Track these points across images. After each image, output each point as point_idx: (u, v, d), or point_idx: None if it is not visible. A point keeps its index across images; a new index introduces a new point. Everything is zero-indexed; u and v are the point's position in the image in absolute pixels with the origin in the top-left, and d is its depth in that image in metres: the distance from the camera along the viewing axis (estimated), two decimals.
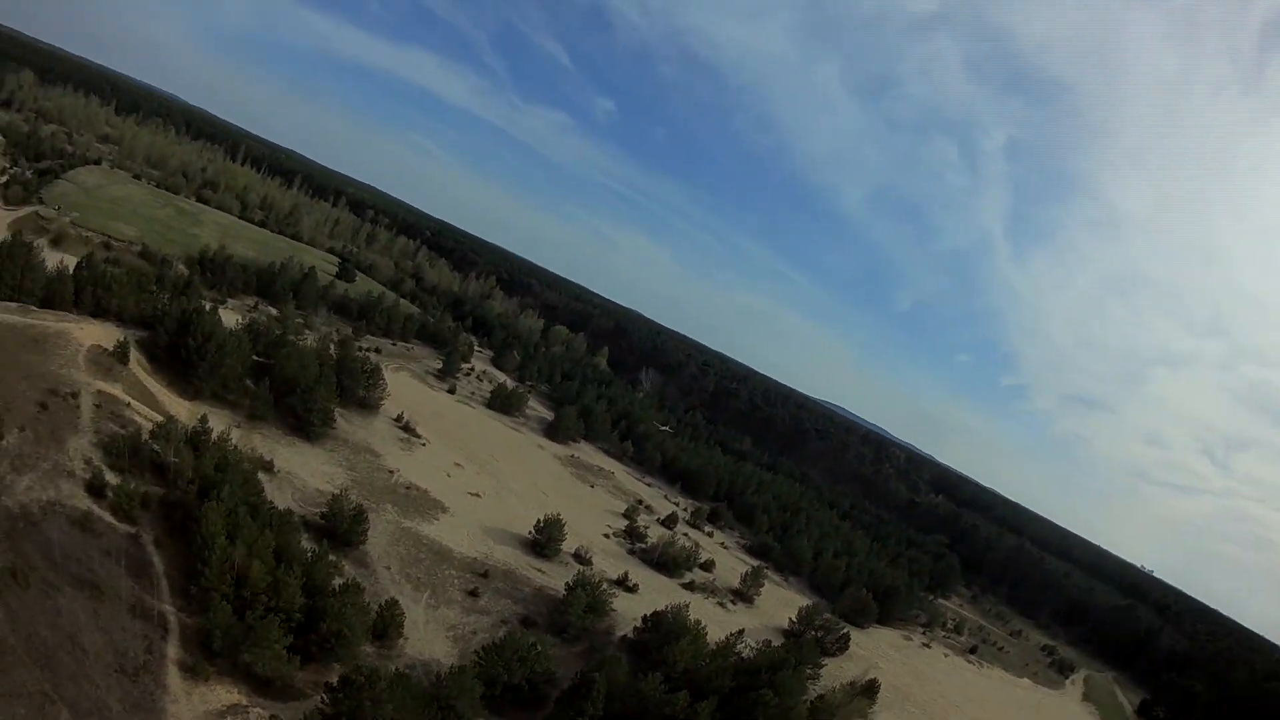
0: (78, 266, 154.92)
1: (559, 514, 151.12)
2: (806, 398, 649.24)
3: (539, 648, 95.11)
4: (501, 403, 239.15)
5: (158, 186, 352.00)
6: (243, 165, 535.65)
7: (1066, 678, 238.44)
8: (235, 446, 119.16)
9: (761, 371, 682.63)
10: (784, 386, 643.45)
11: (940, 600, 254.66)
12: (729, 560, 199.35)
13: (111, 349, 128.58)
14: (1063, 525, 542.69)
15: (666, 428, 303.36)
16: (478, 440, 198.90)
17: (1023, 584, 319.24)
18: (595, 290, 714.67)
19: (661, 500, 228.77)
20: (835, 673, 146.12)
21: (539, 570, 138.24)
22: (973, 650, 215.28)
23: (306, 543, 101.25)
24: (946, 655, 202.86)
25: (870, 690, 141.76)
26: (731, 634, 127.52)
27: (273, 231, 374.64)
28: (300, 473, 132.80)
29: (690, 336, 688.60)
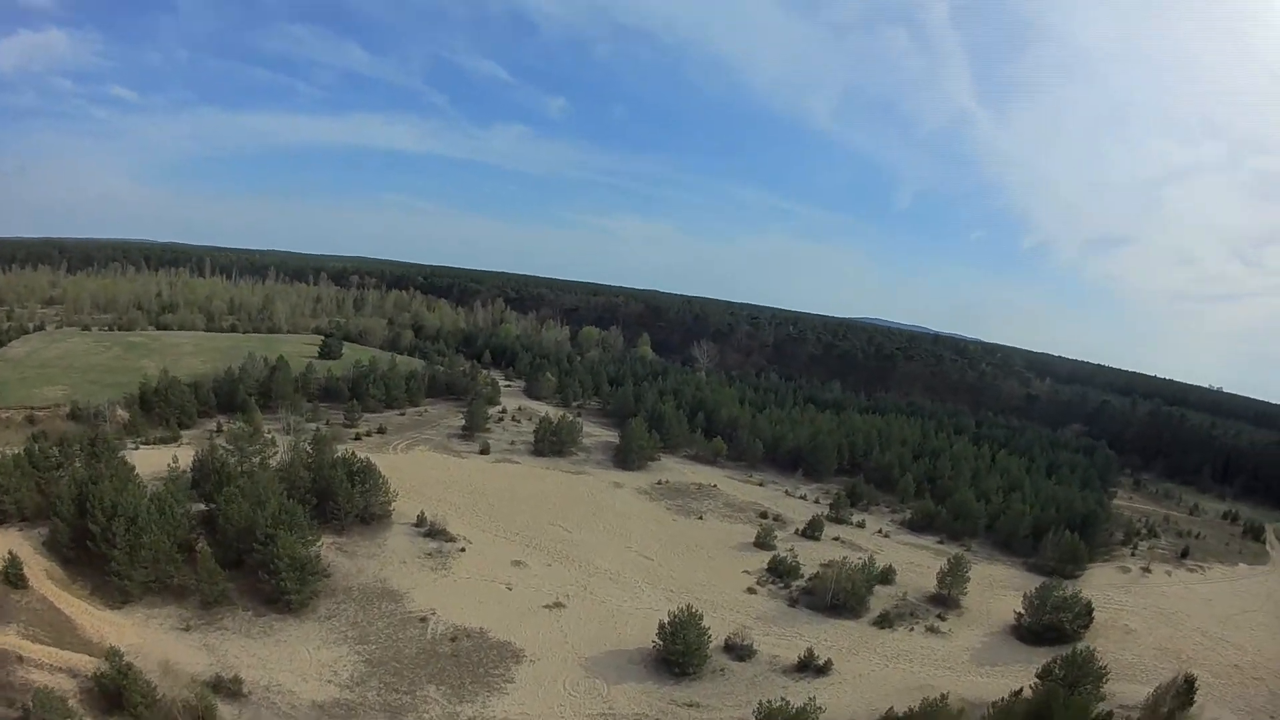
0: None
1: (685, 600, 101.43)
2: (843, 320, 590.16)
3: None
4: (550, 444, 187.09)
5: (110, 329, 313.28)
6: (211, 277, 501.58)
7: (1266, 545, 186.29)
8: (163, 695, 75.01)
9: (799, 310, 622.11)
10: (824, 317, 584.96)
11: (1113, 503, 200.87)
12: (900, 552, 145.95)
13: None
14: (1127, 369, 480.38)
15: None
16: (535, 511, 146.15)
17: (1172, 451, 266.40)
18: (612, 284, 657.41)
19: (786, 500, 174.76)
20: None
21: (691, 705, 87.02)
22: (1184, 554, 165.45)
23: None
24: (1169, 574, 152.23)
25: (1188, 690, 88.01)
26: None
27: (244, 333, 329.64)
28: (284, 680, 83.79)
29: (720, 298, 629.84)
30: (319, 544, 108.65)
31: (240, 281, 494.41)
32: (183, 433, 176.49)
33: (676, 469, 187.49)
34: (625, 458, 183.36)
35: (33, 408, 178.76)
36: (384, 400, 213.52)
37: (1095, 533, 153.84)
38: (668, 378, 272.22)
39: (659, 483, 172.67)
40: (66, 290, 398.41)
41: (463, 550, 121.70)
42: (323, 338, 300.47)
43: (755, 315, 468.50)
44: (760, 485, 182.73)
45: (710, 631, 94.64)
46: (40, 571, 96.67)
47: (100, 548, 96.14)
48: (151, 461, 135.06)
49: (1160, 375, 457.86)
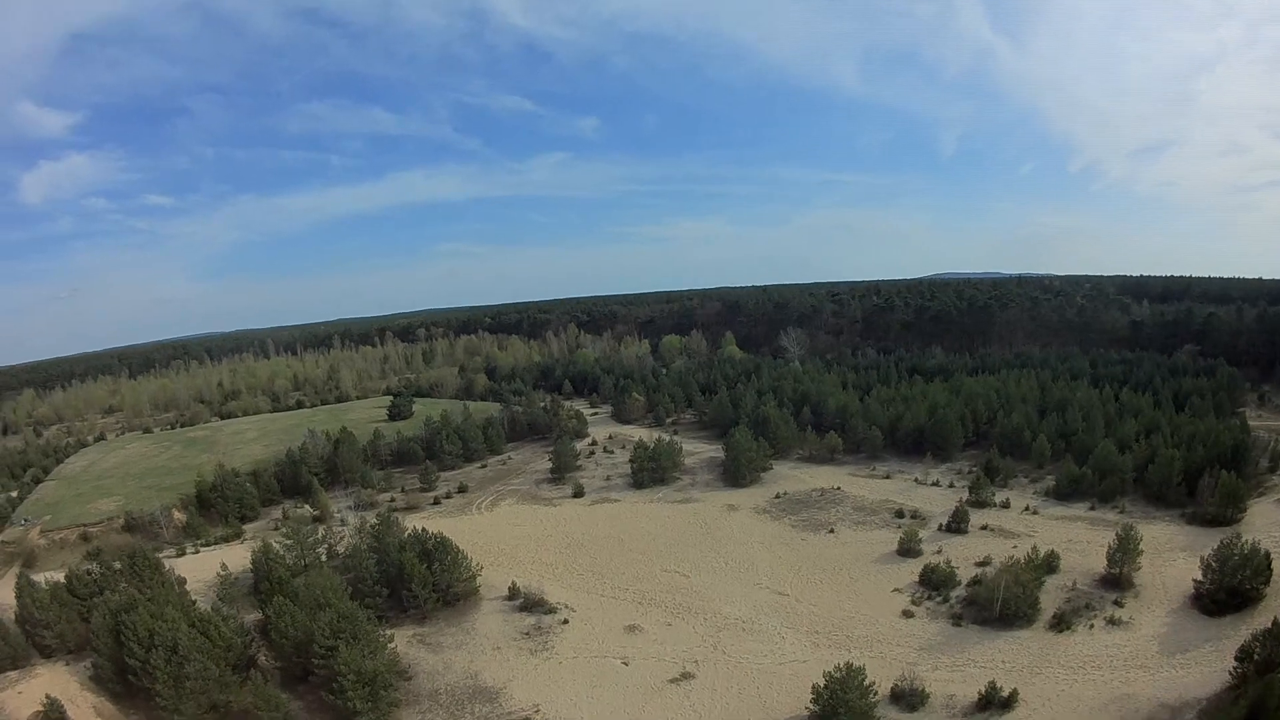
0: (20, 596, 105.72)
1: (833, 639, 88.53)
2: (905, 281, 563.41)
3: None
4: (649, 473, 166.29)
5: (171, 427, 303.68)
6: (275, 357, 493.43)
7: None
8: None
9: (876, 279, 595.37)
10: (904, 281, 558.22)
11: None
12: (1056, 530, 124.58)
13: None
14: (1212, 275, 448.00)
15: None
16: (644, 556, 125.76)
17: None
18: (681, 289, 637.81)
19: (919, 490, 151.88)
20: None
21: None
22: None
23: None
24: None
25: None
26: None
27: (310, 407, 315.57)
28: None
29: (792, 282, 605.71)
30: (391, 645, 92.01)
31: (305, 356, 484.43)
32: (246, 527, 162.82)
33: (793, 476, 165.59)
34: (735, 473, 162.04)
35: (86, 524, 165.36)
36: (462, 455, 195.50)
37: (1245, 465, 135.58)
38: (762, 374, 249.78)
39: (777, 496, 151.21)
40: (124, 396, 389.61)
41: (565, 622, 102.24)
42: (391, 398, 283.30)
43: (836, 292, 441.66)
44: (887, 478, 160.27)
45: (873, 684, 74.58)
46: (89, 709, 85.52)
47: (141, 680, 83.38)
48: (209, 567, 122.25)
49: (1247, 276, 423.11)
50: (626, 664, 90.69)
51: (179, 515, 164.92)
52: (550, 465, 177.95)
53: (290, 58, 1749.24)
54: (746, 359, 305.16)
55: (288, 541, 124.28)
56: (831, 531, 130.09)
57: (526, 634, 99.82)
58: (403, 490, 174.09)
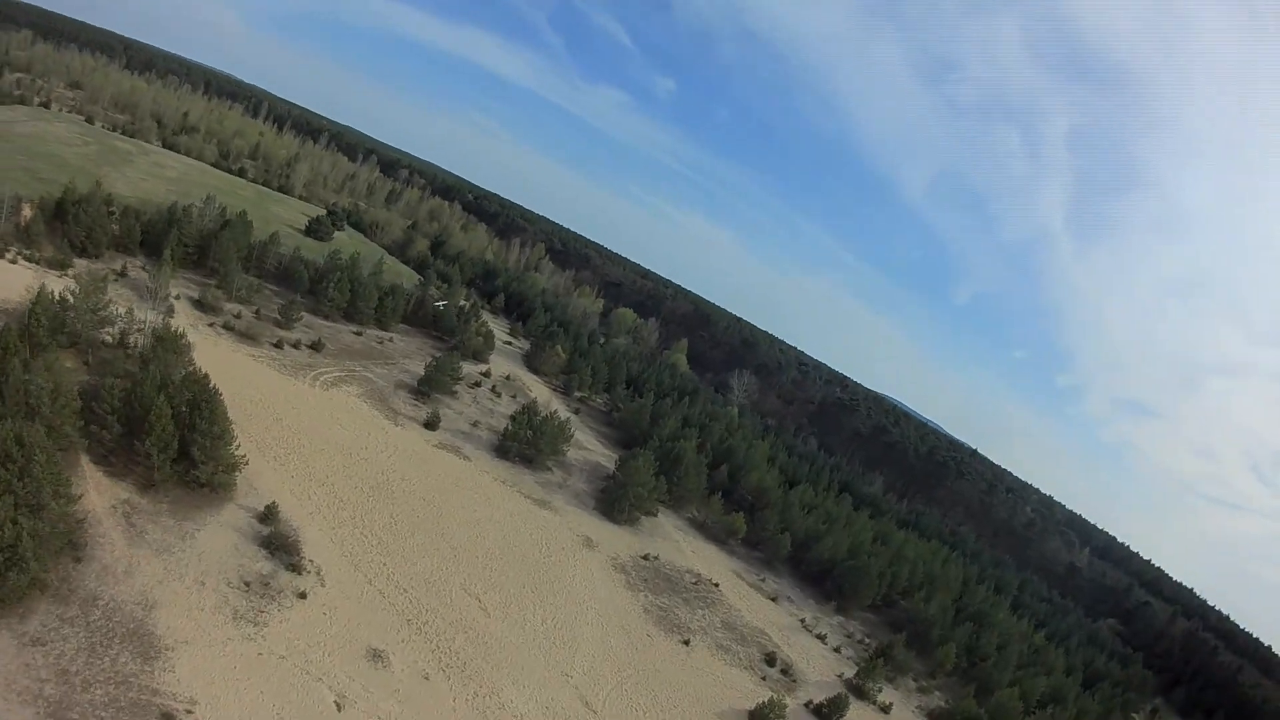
0: None
1: None
2: (868, 391, 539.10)
3: None
4: (523, 445, 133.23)
5: (112, 129, 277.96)
6: (263, 123, 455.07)
7: None
8: None
9: (823, 360, 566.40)
10: (875, 393, 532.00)
11: None
12: None
13: None
14: (1108, 531, 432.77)
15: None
16: (450, 555, 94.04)
17: (1194, 686, 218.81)
18: (662, 273, 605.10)
19: (803, 637, 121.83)
20: None
21: None
22: None
23: None
24: None
25: None
26: None
27: (249, 180, 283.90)
28: None
29: (761, 326, 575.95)
30: (76, 504, 65.67)
31: (284, 135, 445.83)
32: (80, 262, 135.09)
33: (674, 539, 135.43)
34: (613, 502, 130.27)
35: None
36: (344, 309, 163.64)
37: None
38: (695, 403, 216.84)
39: (645, 557, 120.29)
40: (91, 80, 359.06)
41: (302, 596, 71.57)
42: (323, 213, 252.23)
43: (804, 363, 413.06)
44: (774, 600, 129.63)
45: None
46: None
47: None
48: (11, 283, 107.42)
49: (1174, 575, 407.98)
50: (339, 708, 60.70)
51: (27, 212, 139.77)
52: (423, 373, 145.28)
53: None
54: (689, 377, 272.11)
55: (71, 299, 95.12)
56: (686, 643, 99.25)
57: (248, 585, 69.43)
58: (257, 313, 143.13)
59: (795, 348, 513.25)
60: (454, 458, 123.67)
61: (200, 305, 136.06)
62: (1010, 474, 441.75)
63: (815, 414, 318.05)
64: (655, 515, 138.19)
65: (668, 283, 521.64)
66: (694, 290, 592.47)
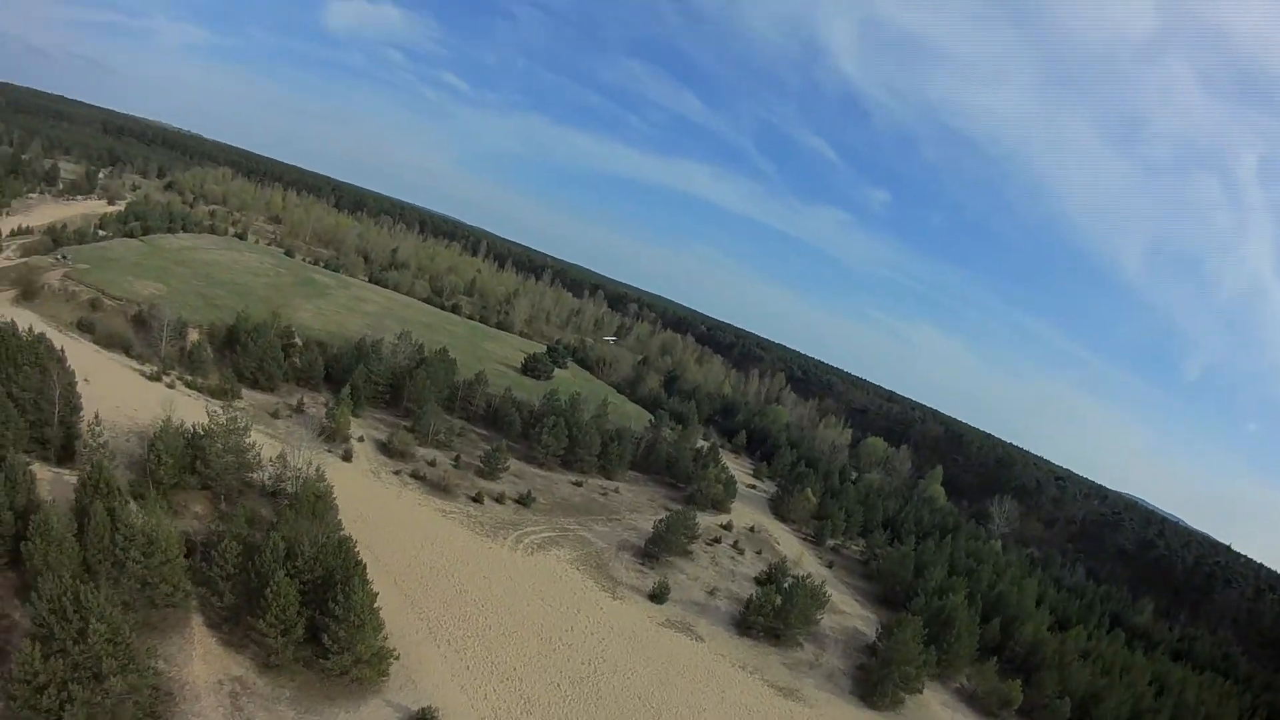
0: None
1: None
2: (1109, 490, 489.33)
3: None
4: (767, 619, 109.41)
5: (316, 263, 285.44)
6: (482, 260, 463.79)
7: None
8: None
9: (1071, 468, 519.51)
10: (1106, 490, 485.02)
11: None
12: None
13: None
14: None
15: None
16: None
17: None
18: (906, 394, 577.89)
19: None
20: None
21: None
22: None
23: None
24: None
25: None
26: None
27: (463, 316, 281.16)
28: None
29: (1014, 442, 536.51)
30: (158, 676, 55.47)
31: (511, 272, 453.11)
32: (253, 395, 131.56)
33: None
34: (874, 683, 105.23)
35: (104, 292, 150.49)
36: (561, 456, 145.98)
37: None
38: (957, 541, 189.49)
39: None
40: (293, 213, 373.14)
41: None
42: (545, 349, 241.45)
43: (1059, 476, 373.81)
44: None
45: None
46: None
47: None
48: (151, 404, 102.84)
49: None
50: None
51: (194, 337, 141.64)
52: (652, 531, 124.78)
53: (625, 8, 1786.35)
54: (949, 511, 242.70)
55: (215, 426, 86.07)
56: None
57: None
58: (456, 460, 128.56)
59: (1046, 460, 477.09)
60: (684, 638, 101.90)
61: (387, 449, 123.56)
62: (1267, 568, 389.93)
63: (1077, 534, 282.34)
64: (920, 692, 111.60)
65: (914, 404, 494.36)
66: (939, 409, 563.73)
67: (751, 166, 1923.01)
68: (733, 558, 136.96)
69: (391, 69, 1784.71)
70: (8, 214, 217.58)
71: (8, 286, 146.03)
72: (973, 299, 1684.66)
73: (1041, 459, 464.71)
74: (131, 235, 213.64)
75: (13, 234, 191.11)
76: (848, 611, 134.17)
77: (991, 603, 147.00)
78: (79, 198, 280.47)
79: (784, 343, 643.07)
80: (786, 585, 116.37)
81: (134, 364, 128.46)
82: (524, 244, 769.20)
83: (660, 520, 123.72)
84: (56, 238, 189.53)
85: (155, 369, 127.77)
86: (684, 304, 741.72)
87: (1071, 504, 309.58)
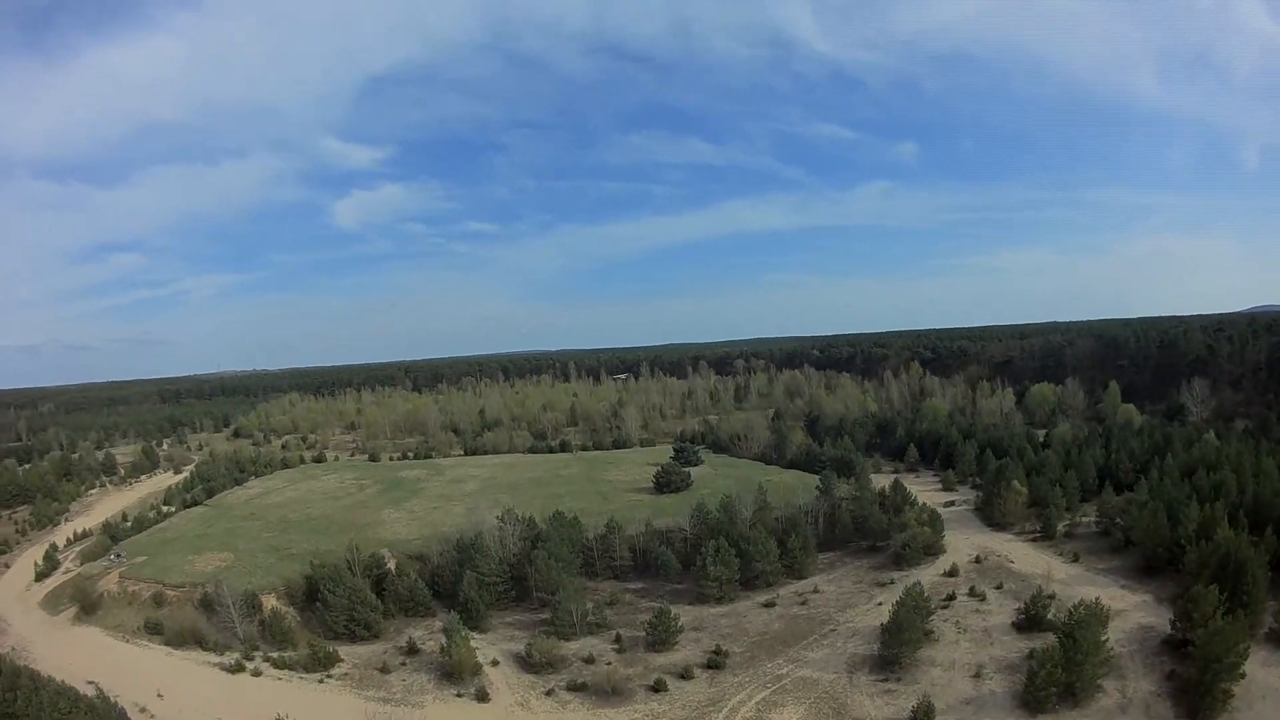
0: None
1: None
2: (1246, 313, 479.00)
3: None
4: (1053, 682, 79.13)
5: (404, 457, 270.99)
6: (576, 381, 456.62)
7: None
8: None
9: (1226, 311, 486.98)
10: (1229, 315, 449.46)
11: None
12: None
13: None
14: None
15: None
16: None
17: None
18: (1026, 322, 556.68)
19: None
20: None
21: None
22: None
23: None
24: None
25: None
26: None
27: (573, 451, 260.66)
28: None
29: (1118, 317, 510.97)
30: None
31: (604, 384, 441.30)
32: (354, 649, 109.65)
33: None
34: (1203, 693, 75.84)
35: (165, 584, 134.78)
36: (739, 577, 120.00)
37: None
38: (1175, 453, 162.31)
39: None
40: (366, 414, 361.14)
41: None
42: (673, 453, 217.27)
43: (1220, 327, 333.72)
44: None
45: None
46: None
47: None
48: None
49: None
50: None
51: (272, 604, 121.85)
52: (878, 628, 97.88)
53: (601, 92, 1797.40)
54: (1147, 425, 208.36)
55: None
56: None
57: None
58: (616, 641, 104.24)
59: (1168, 317, 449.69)
60: None
61: (527, 663, 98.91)
62: None
63: (1267, 381, 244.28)
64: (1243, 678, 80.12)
65: (1056, 328, 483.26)
66: (1050, 321, 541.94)
67: (782, 179, 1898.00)
68: (977, 610, 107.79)
69: (416, 240, 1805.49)
70: (66, 520, 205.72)
71: (66, 604, 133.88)
72: (1038, 203, 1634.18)
73: (1159, 317, 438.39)
74: (194, 504, 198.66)
75: (70, 541, 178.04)
76: (1122, 607, 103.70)
77: (1253, 513, 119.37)
78: (143, 478, 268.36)
79: (896, 328, 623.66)
80: (1058, 619, 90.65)
81: (212, 656, 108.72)
82: (611, 346, 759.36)
83: (887, 621, 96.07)
84: (113, 533, 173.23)
85: (237, 656, 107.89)
86: (787, 335, 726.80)
87: (1251, 349, 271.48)
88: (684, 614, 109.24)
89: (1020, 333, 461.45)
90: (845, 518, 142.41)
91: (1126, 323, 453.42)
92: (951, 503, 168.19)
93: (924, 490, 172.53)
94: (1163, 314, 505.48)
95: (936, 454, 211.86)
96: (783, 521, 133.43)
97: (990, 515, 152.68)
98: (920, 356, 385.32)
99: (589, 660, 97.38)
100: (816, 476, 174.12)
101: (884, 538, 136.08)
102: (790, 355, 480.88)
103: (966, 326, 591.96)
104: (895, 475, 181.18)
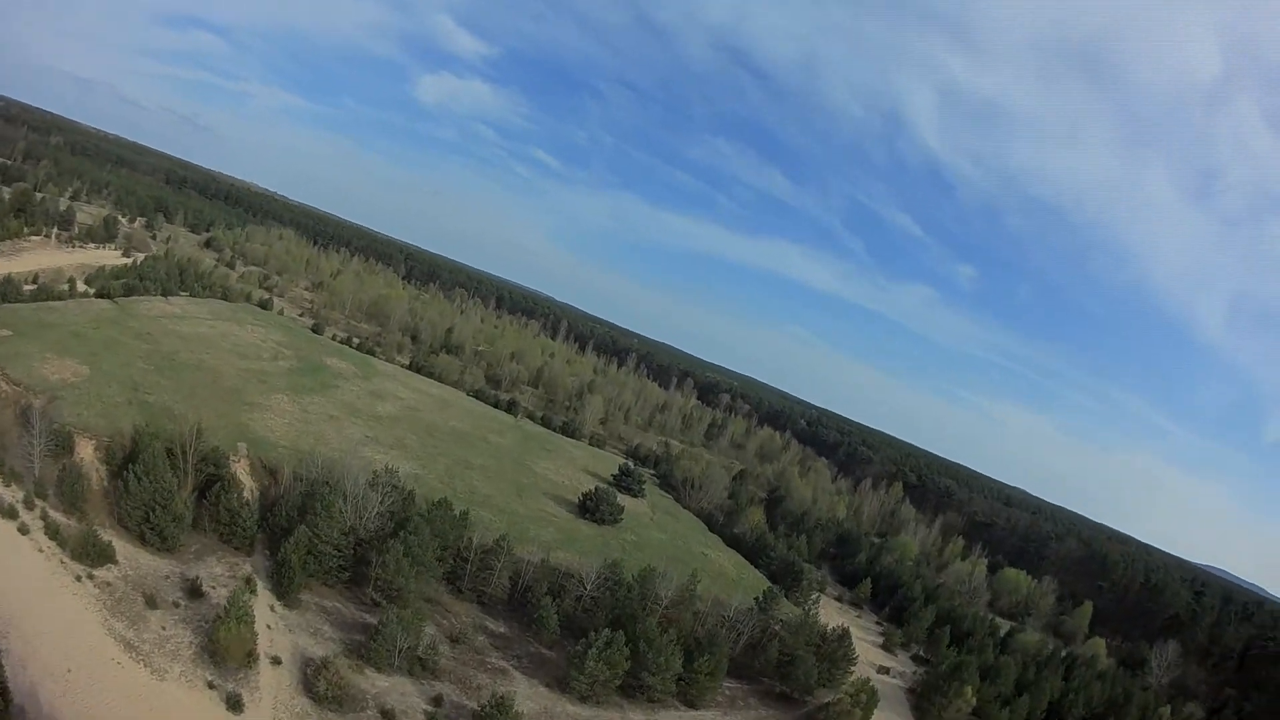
0: None
1: None
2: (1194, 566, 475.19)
3: None
4: None
5: (346, 342, 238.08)
6: (558, 340, 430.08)
7: None
8: None
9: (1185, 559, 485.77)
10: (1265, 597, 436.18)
11: None
12: None
13: None
14: None
15: None
16: None
17: None
18: (1016, 486, 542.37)
19: None
20: None
21: None
22: None
23: None
24: None
25: None
26: None
27: (517, 417, 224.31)
28: None
29: (1104, 523, 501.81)
30: None
31: (591, 357, 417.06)
32: (136, 556, 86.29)
33: None
34: None
35: (3, 371, 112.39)
36: (619, 684, 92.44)
37: None
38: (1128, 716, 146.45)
39: None
40: (336, 282, 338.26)
41: None
42: (615, 476, 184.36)
43: (1201, 590, 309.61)
44: None
45: None
46: None
47: None
48: None
49: None
50: None
51: (88, 454, 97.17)
52: None
53: (709, 88, 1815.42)
54: (1110, 672, 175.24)
55: None
56: None
57: None
58: (436, 704, 78.89)
59: (1162, 553, 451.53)
60: None
61: (311, 687, 72.26)
62: None
63: (1237, 667, 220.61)
64: None
65: (1039, 507, 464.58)
66: (1030, 490, 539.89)
67: (839, 244, 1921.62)
68: None
69: (483, 144, 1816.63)
70: None
71: None
72: (1059, 373, 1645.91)
73: (1186, 561, 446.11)
74: (107, 295, 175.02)
75: None
76: None
77: None
78: (90, 245, 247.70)
79: (884, 430, 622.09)
80: None
81: None
82: (611, 321, 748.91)
83: None
84: (5, 293, 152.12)
85: (20, 497, 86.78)
86: (780, 388, 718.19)
87: (1229, 628, 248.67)
88: (533, 699, 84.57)
89: (1006, 497, 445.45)
90: (772, 651, 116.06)
91: (1113, 536, 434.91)
92: (887, 669, 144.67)
93: (863, 638, 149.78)
94: (1133, 533, 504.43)
95: (890, 601, 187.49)
96: (707, 631, 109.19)
97: (925, 711, 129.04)
98: (905, 479, 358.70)
99: (387, 713, 72.23)
100: (758, 571, 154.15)
101: (806, 692, 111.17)
102: (776, 413, 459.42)
103: (951, 460, 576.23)
104: (839, 604, 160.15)
